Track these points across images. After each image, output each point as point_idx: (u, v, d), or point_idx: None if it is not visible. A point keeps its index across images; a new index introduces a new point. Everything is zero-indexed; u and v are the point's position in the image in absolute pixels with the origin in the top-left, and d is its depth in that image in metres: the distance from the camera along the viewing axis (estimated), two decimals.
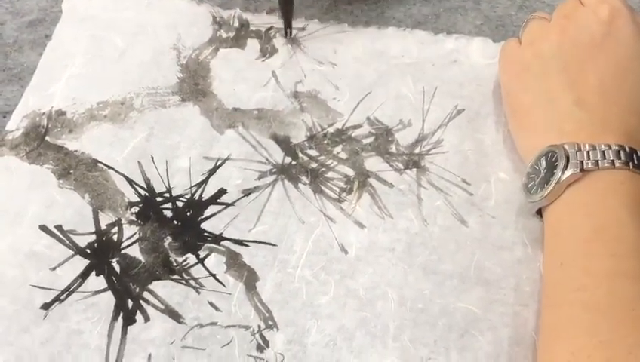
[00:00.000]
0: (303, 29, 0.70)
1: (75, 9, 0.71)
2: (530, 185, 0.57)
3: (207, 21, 0.71)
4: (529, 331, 0.54)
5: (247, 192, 0.61)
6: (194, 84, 0.67)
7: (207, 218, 0.60)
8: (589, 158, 0.53)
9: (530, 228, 0.58)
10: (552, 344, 0.50)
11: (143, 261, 0.58)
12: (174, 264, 0.58)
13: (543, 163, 0.56)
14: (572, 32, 0.58)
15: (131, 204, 0.61)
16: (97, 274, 0.57)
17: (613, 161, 0.53)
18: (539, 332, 0.53)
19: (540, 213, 0.58)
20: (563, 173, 0.54)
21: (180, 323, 0.55)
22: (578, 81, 0.57)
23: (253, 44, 0.69)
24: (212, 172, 0.62)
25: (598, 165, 0.53)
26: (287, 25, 0.69)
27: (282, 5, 0.68)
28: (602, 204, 0.52)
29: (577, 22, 0.59)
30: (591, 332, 0.48)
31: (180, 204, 0.61)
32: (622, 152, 0.53)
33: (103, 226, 0.60)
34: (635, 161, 0.53)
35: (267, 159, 0.63)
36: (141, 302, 0.56)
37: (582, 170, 0.53)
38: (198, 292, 0.57)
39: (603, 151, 0.53)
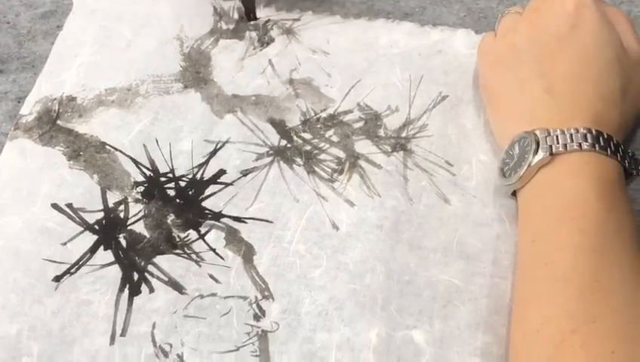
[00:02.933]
0: (298, 19, 0.71)
1: (85, 1, 0.72)
2: (505, 169, 0.58)
3: (208, 12, 0.71)
4: (507, 301, 0.55)
5: (245, 173, 0.62)
6: (196, 72, 0.68)
7: (207, 196, 0.61)
8: (558, 142, 0.54)
9: (508, 206, 0.59)
10: (525, 314, 0.51)
11: (147, 236, 0.59)
12: (177, 239, 0.59)
13: (517, 148, 0.57)
14: (541, 25, 0.59)
15: (137, 184, 0.62)
16: (105, 249, 0.59)
17: (580, 143, 0.54)
18: (513, 303, 0.54)
19: (515, 194, 0.58)
20: (534, 156, 0.55)
21: (182, 294, 0.57)
22: (548, 70, 0.58)
23: (251, 36, 0.70)
24: (212, 154, 0.63)
25: (566, 148, 0.54)
26: (250, 9, 0.69)
27: None
28: (570, 184, 0.53)
29: (546, 14, 0.59)
30: (559, 301, 0.49)
31: (182, 184, 0.62)
32: (589, 135, 0.54)
33: (111, 204, 0.61)
34: (601, 143, 0.54)
35: (264, 142, 0.64)
36: (146, 274, 0.58)
37: (551, 153, 0.54)
38: (199, 266, 0.58)
39: (571, 135, 0.54)
